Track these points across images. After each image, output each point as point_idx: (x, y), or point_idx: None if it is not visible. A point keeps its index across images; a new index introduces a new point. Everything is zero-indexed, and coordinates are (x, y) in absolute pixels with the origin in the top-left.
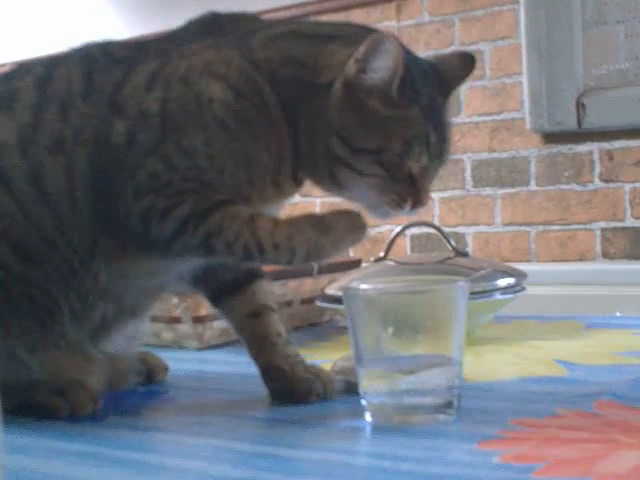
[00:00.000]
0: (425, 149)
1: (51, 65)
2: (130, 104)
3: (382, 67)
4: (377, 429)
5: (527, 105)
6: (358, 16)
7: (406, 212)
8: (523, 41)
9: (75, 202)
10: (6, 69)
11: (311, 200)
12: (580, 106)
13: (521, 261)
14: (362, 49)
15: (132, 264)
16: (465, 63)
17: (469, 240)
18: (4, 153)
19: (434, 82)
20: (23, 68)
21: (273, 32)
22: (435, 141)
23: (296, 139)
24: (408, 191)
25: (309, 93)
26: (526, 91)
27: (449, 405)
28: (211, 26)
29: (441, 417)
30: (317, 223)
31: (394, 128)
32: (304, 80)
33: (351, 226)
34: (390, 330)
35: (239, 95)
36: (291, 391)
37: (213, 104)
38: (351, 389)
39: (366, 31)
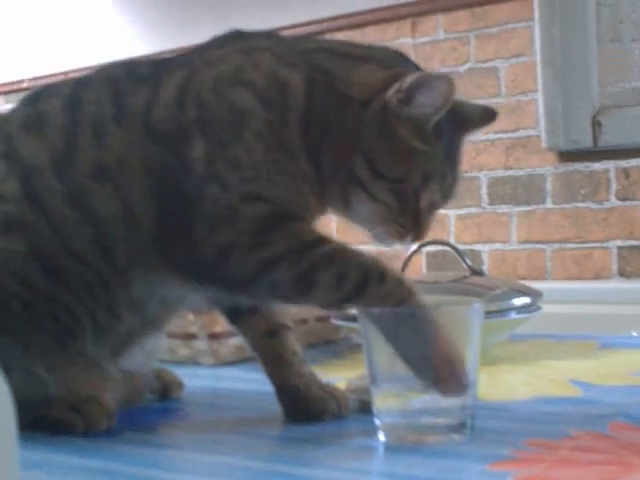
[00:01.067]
0: (439, 187)
1: (78, 87)
2: (168, 129)
3: (428, 104)
4: (390, 448)
5: (543, 123)
6: (373, 33)
7: (404, 244)
8: (538, 58)
9: (132, 224)
10: (23, 85)
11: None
12: (596, 124)
13: (537, 279)
14: (410, 81)
15: (170, 280)
16: (486, 115)
17: (485, 258)
18: (37, 175)
19: (455, 122)
20: (48, 90)
21: (302, 47)
22: (449, 181)
23: (319, 155)
24: (411, 224)
25: (340, 104)
26: (542, 109)
27: (463, 425)
28: (236, 40)
29: (454, 437)
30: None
31: (418, 162)
32: (336, 90)
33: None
34: None
35: (267, 105)
36: (306, 409)
37: (245, 115)
38: (365, 408)
39: (400, 57)
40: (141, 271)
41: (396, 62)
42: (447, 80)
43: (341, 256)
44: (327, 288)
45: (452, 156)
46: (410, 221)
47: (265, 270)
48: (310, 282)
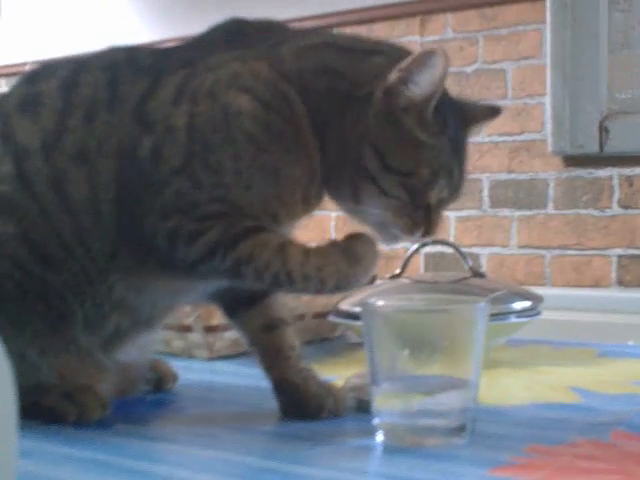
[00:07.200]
0: (448, 182)
1: (76, 70)
2: (156, 118)
3: (425, 81)
4: (388, 449)
5: (549, 126)
6: (382, 30)
7: (414, 239)
8: (548, 62)
9: (98, 213)
10: (26, 68)
11: (326, 214)
12: (603, 130)
13: (535, 284)
14: (409, 60)
15: (152, 282)
16: (491, 110)
17: (484, 261)
18: (28, 156)
19: (459, 118)
20: (48, 70)
21: (305, 42)
22: (457, 176)
23: (324, 152)
24: (422, 219)
25: (343, 104)
26: (549, 112)
27: (462, 428)
28: (237, 34)
29: (454, 440)
30: (347, 252)
31: (425, 155)
32: (339, 91)
33: (375, 253)
34: (407, 349)
35: (267, 107)
36: (303, 406)
37: (241, 117)
38: (362, 407)
39: (407, 52)
40: (121, 275)
41: (405, 55)
42: (443, 55)
43: (258, 254)
44: (252, 280)
45: (459, 152)
46: (421, 216)
47: (205, 257)
48: (238, 274)
